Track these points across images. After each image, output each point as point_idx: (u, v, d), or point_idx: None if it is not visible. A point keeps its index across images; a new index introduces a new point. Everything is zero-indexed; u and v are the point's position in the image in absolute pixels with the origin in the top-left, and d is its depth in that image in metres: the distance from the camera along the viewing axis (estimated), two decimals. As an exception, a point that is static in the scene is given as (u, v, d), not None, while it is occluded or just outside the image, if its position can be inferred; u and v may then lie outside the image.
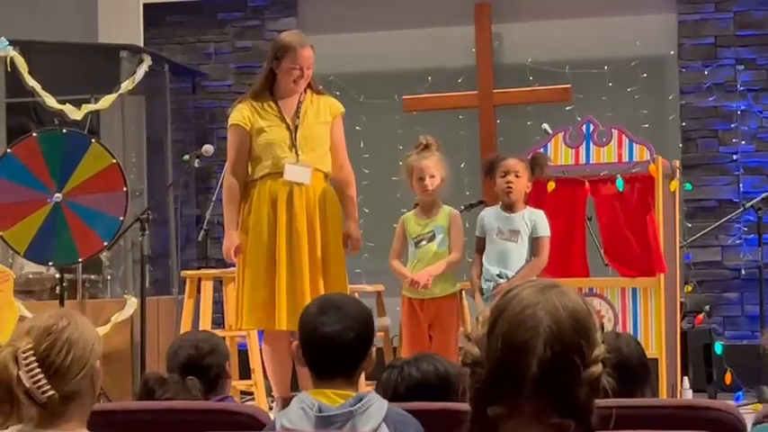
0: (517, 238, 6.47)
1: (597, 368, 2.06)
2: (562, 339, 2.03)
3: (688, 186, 8.15)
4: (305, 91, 6.30)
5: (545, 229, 6.50)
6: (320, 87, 6.41)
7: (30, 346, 2.70)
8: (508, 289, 2.13)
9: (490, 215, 6.59)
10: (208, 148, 7.73)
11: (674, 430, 2.85)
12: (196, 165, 7.88)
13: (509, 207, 6.52)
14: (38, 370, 2.67)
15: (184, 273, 7.87)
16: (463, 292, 6.90)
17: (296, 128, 6.21)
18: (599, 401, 2.08)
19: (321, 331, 3.30)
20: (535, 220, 6.49)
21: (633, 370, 3.60)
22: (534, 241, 6.48)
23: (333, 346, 3.29)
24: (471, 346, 2.09)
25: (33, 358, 2.68)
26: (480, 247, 6.60)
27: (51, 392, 2.67)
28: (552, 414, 2.02)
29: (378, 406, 3.13)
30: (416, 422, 3.19)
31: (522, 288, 2.10)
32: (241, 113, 6.25)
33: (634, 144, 6.92)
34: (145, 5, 10.01)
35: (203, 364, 4.41)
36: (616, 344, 3.55)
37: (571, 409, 2.03)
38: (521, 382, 2.02)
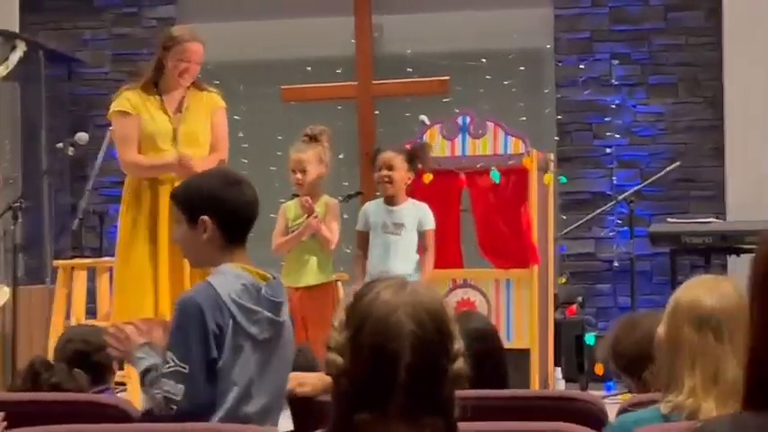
0: (401, 230, 6.49)
1: (460, 363, 2.09)
2: (427, 343, 2.05)
3: (563, 179, 8.26)
4: (188, 87, 6.25)
5: (431, 222, 6.54)
6: (203, 84, 6.36)
7: None
8: (360, 291, 2.13)
9: (374, 210, 6.59)
10: (82, 136, 7.63)
11: (536, 421, 2.90)
12: (70, 153, 7.78)
13: (390, 200, 6.54)
14: None
15: (57, 262, 7.75)
16: (339, 282, 6.89)
17: (178, 123, 6.16)
18: (468, 393, 2.11)
19: (247, 197, 3.58)
20: (422, 213, 6.52)
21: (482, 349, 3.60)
22: (422, 235, 6.51)
23: (254, 212, 3.60)
24: (335, 356, 2.09)
25: None
26: (362, 242, 6.58)
27: None
28: (421, 414, 2.04)
29: None
30: None
31: (379, 290, 2.10)
32: (128, 100, 6.16)
33: (509, 137, 7.01)
34: (21, -10, 9.84)
35: (92, 360, 4.43)
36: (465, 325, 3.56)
37: (438, 408, 2.06)
38: (390, 388, 2.03)
